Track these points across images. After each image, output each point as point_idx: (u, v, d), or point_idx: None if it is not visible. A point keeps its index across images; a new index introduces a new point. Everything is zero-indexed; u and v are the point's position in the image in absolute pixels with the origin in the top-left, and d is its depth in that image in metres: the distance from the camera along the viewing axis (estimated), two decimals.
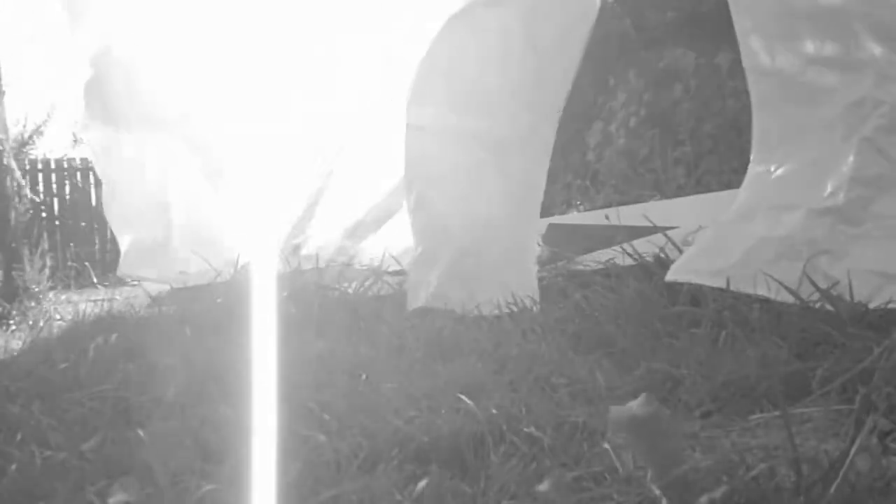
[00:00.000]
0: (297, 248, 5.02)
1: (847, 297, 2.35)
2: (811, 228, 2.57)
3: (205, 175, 4.73)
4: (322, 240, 4.98)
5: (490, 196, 3.37)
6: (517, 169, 3.39)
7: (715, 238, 2.84)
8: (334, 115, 5.04)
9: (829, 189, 2.62)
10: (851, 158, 2.59)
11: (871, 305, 2.31)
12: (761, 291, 2.55)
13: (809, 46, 2.80)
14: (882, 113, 2.56)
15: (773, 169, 2.84)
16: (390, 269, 3.91)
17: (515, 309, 2.94)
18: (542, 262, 3.53)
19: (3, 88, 4.39)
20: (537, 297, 3.08)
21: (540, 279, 3.36)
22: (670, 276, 2.74)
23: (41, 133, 11.12)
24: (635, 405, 1.18)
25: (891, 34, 2.62)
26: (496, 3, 3.26)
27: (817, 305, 2.38)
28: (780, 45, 2.86)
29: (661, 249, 3.20)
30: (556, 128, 3.43)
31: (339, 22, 4.81)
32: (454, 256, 3.29)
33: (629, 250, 3.14)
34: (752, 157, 2.94)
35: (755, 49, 2.93)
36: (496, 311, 2.97)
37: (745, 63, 2.99)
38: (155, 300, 3.94)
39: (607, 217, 3.74)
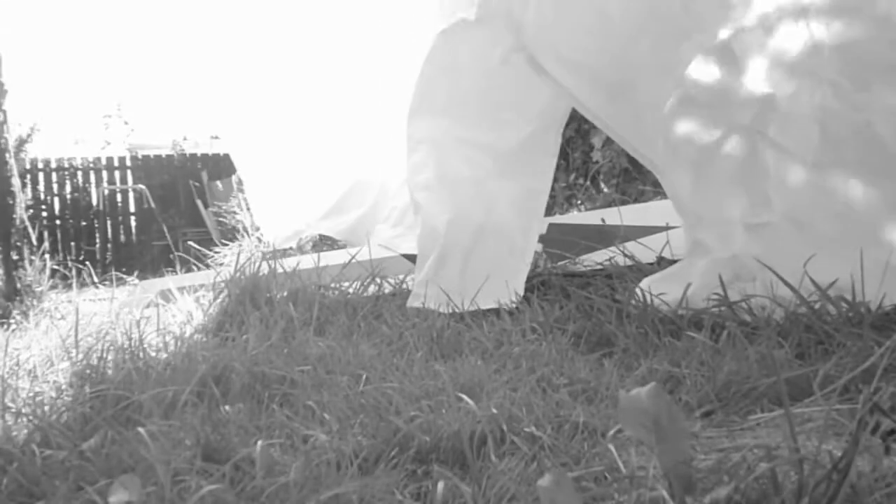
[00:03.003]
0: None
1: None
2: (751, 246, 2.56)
3: None
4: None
5: (491, 202, 3.41)
6: (521, 175, 3.43)
7: (673, 271, 2.82)
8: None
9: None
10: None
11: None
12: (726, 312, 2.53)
13: None
14: None
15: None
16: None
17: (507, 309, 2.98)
18: (542, 262, 3.53)
19: (6, 88, 4.38)
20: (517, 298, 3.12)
21: (540, 279, 3.36)
22: (642, 286, 2.75)
23: (39, 131, 11.09)
24: (644, 394, 1.18)
25: None
26: (488, 19, 3.24)
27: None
28: None
29: (662, 249, 3.20)
30: (560, 135, 3.48)
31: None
32: (449, 259, 3.33)
33: (629, 250, 3.14)
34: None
35: None
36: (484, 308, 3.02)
37: None
38: (155, 299, 3.94)
39: (603, 220, 3.75)
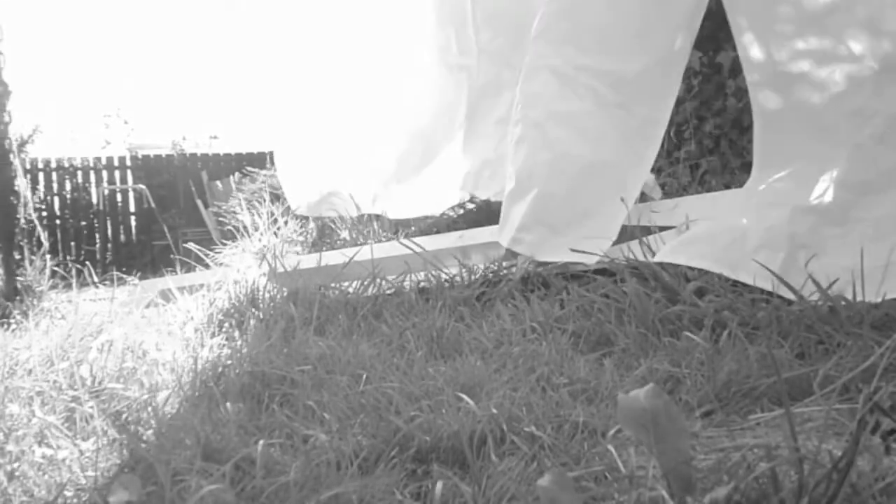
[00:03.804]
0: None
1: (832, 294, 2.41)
2: (794, 224, 2.67)
3: None
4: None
5: (602, 138, 3.46)
6: (640, 104, 3.49)
7: (706, 228, 2.95)
8: None
9: (816, 191, 2.71)
10: (842, 163, 2.66)
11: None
12: (741, 277, 2.65)
13: (804, 47, 2.86)
14: (876, 123, 2.63)
15: (769, 173, 2.93)
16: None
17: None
18: (542, 262, 3.52)
19: (10, 89, 4.38)
20: (606, 248, 3.19)
21: (540, 279, 3.36)
22: (658, 258, 2.84)
23: (41, 132, 11.10)
24: (642, 395, 1.18)
25: (883, 29, 2.69)
26: None
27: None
28: (776, 45, 2.91)
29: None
30: (682, 70, 3.55)
31: None
32: (540, 198, 3.42)
33: (629, 250, 3.14)
34: (754, 161, 3.03)
35: (749, 49, 3.00)
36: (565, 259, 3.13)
37: (744, 66, 3.04)
38: (162, 294, 3.94)
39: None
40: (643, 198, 3.68)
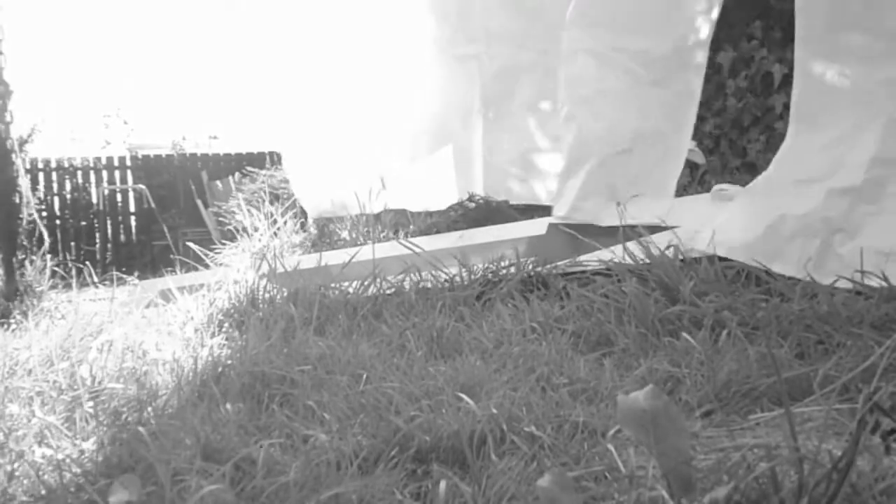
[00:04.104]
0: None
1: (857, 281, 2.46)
2: (829, 207, 2.73)
3: None
4: None
5: (644, 111, 3.78)
6: (672, 81, 3.79)
7: (741, 211, 3.06)
8: None
9: (850, 167, 2.75)
10: (876, 138, 2.68)
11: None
12: (776, 268, 2.73)
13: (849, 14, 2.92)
14: None
15: (802, 143, 3.00)
16: None
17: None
18: (542, 262, 3.52)
19: (11, 89, 4.38)
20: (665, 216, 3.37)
21: (540, 279, 3.36)
22: (702, 247, 2.96)
23: (40, 131, 11.09)
24: (642, 396, 1.18)
25: None
26: None
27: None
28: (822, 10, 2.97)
29: (663, 249, 3.19)
30: (707, 50, 3.83)
31: None
32: (593, 169, 3.74)
33: (629, 250, 3.14)
34: (788, 131, 3.10)
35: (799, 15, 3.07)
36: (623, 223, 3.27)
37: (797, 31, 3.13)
38: (162, 294, 3.94)
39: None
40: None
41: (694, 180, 5.04)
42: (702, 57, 3.81)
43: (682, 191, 4.66)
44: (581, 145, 3.83)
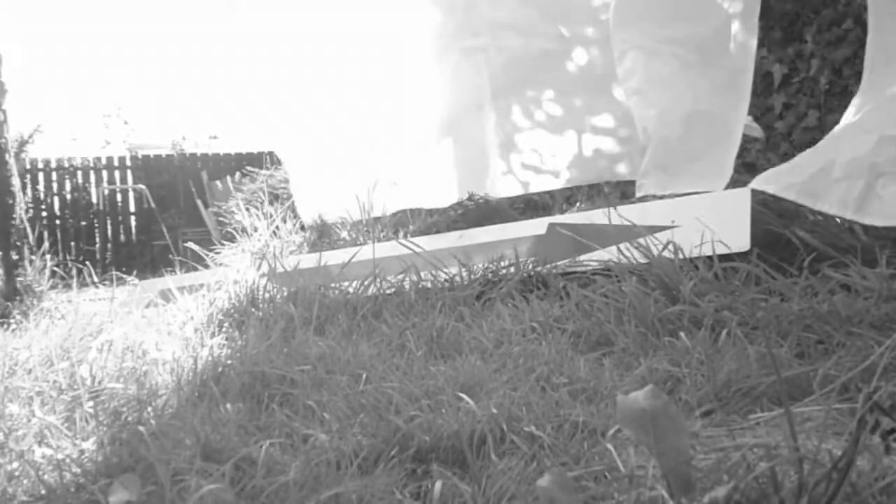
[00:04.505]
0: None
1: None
2: (878, 153, 2.85)
3: None
4: None
5: (696, 90, 3.93)
6: (721, 58, 3.91)
7: (800, 157, 3.23)
8: None
9: None
10: None
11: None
12: (823, 207, 2.91)
13: None
14: None
15: (868, 98, 3.17)
16: None
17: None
18: (542, 262, 3.53)
19: (6, 87, 4.37)
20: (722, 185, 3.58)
21: (540, 279, 3.36)
22: (753, 185, 3.14)
23: (41, 132, 11.09)
24: (641, 396, 1.18)
25: None
26: None
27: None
28: None
29: (663, 249, 3.19)
30: (756, 22, 3.93)
31: None
32: (654, 147, 3.99)
33: (629, 250, 3.14)
34: (860, 86, 3.28)
35: None
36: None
37: None
38: (162, 294, 3.94)
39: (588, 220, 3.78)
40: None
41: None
42: (753, 30, 3.88)
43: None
44: (640, 128, 4.10)
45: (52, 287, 4.27)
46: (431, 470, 1.59)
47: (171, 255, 5.28)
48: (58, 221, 11.22)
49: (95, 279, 4.12)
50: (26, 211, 4.37)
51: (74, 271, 3.96)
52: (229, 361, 2.42)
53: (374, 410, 1.89)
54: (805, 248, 2.83)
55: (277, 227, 5.41)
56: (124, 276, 4.48)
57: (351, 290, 3.50)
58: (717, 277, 2.73)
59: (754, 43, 3.89)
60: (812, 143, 3.56)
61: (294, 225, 5.74)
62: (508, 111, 5.31)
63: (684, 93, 3.96)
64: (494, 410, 1.75)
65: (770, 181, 3.13)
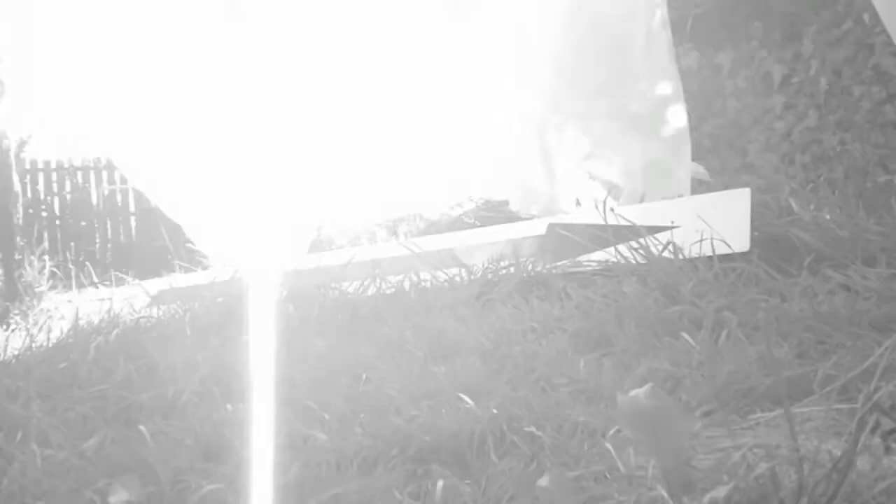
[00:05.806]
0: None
1: None
2: None
3: None
4: None
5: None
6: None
7: None
8: None
9: None
10: None
11: None
12: None
13: None
14: None
15: None
16: None
17: None
18: (542, 263, 3.52)
19: (5, 88, 4.38)
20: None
21: (540, 279, 3.36)
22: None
23: (41, 133, 11.08)
24: (642, 395, 1.18)
25: None
26: None
27: None
28: None
29: (663, 249, 3.19)
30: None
31: None
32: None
33: (629, 250, 3.14)
34: None
35: None
36: None
37: None
38: (155, 299, 3.94)
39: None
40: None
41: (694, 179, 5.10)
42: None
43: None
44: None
45: (52, 287, 4.27)
46: (432, 470, 1.59)
47: (170, 256, 5.27)
48: (58, 222, 11.20)
49: (95, 279, 4.12)
50: (26, 211, 4.37)
51: (74, 271, 3.96)
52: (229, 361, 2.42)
53: (374, 411, 1.89)
54: (805, 248, 2.82)
55: None
56: (124, 276, 4.48)
57: (351, 290, 3.49)
58: (717, 278, 2.73)
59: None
60: (812, 143, 3.54)
61: None
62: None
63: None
64: (495, 411, 1.75)
65: None
